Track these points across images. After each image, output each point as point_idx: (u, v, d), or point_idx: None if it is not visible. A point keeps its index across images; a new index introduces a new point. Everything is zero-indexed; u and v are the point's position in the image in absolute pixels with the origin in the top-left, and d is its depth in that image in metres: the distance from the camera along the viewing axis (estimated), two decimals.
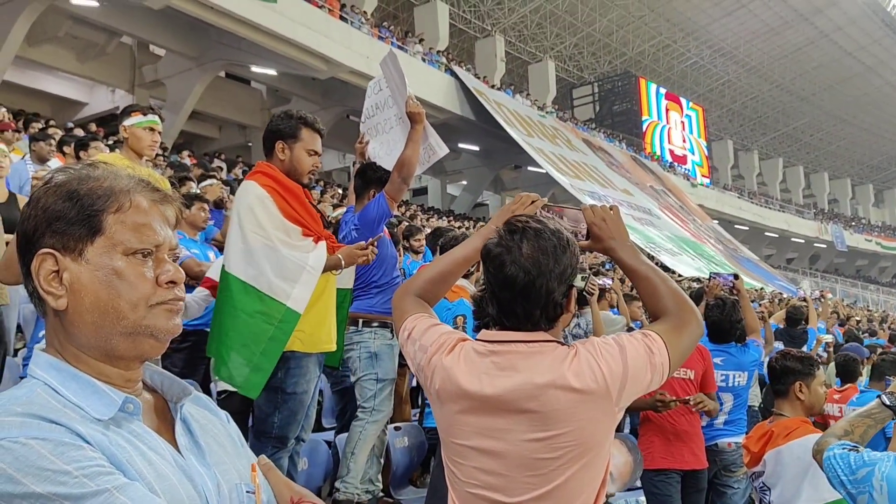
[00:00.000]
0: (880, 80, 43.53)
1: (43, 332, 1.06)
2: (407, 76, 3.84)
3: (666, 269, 20.73)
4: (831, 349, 7.66)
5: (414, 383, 5.49)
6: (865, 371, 6.02)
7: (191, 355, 4.46)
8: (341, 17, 21.88)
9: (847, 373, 5.50)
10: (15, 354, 4.30)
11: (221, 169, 16.39)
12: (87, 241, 0.99)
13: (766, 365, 3.42)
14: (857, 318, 16.73)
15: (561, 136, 30.68)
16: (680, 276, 21.19)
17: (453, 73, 26.03)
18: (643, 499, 4.11)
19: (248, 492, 1.09)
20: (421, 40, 26.36)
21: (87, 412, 0.96)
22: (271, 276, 3.05)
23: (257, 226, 3.07)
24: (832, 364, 6.63)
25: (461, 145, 27.39)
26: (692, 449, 3.93)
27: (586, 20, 35.14)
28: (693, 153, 40.74)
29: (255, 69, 22.34)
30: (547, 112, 31.95)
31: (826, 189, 50.46)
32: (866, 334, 12.55)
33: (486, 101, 25.85)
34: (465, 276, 4.49)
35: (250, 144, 26.46)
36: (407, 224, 9.24)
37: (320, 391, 4.37)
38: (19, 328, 4.78)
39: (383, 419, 4.00)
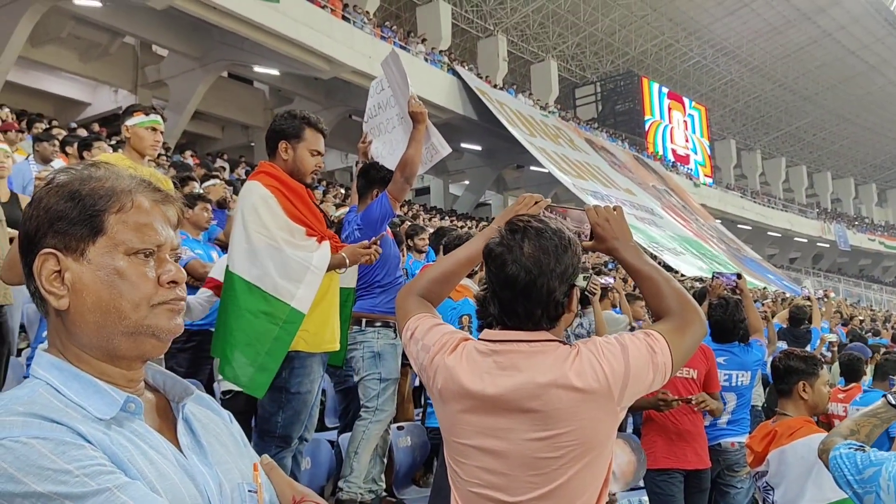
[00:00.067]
0: (883, 79, 43.46)
1: (46, 332, 1.06)
2: (409, 76, 3.84)
3: (669, 268, 20.69)
4: (835, 349, 7.65)
5: (417, 383, 5.49)
6: (869, 371, 6.02)
7: (195, 355, 4.47)
8: (344, 17, 21.89)
9: (851, 372, 5.50)
10: (18, 354, 4.31)
11: (224, 169, 16.41)
12: (88, 241, 1.00)
13: (769, 364, 3.41)
14: (861, 318, 16.69)
15: (563, 135, 30.66)
16: (683, 275, 21.18)
17: (456, 73, 26.03)
18: (646, 498, 4.10)
19: (250, 491, 1.09)
20: (423, 40, 26.35)
21: (88, 412, 0.96)
22: (276, 277, 3.05)
23: (261, 226, 3.07)
24: (836, 363, 6.62)
25: (463, 145, 27.39)
26: (695, 449, 3.92)
27: (589, 20, 35.13)
28: (696, 153, 40.71)
29: (257, 69, 22.36)
30: (549, 112, 31.94)
31: (829, 188, 50.39)
32: (869, 334, 12.53)
33: (488, 100, 25.84)
34: (469, 276, 4.49)
35: (253, 144, 26.48)
36: (410, 223, 9.24)
37: (323, 391, 4.38)
38: (23, 328, 4.79)
39: (386, 419, 4.00)
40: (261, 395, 3.12)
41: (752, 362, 4.30)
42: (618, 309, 6.49)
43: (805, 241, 44.24)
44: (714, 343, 4.21)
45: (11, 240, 3.60)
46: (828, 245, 45.10)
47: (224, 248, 5.23)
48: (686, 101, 40.40)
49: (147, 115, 3.78)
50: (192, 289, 4.35)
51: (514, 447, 1.63)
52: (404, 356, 4.08)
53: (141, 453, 0.96)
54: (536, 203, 1.96)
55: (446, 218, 22.86)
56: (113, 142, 9.64)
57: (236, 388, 3.37)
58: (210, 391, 4.05)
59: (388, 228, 4.04)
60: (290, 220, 3.12)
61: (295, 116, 3.26)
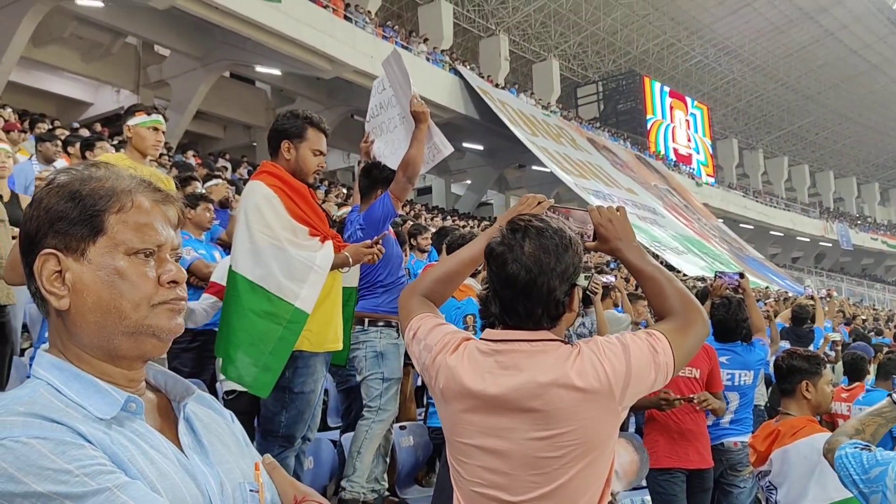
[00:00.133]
0: (886, 79, 43.41)
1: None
2: (411, 76, 3.84)
3: (671, 268, 20.69)
4: (839, 348, 7.64)
5: (419, 382, 5.49)
6: (872, 370, 6.01)
7: (199, 355, 4.48)
8: (345, 17, 21.90)
9: (855, 371, 5.50)
10: (21, 354, 4.32)
11: (226, 169, 16.42)
12: (89, 242, 1.00)
13: (772, 364, 3.41)
14: (863, 318, 16.68)
15: (565, 135, 30.66)
16: (685, 275, 21.17)
17: (457, 73, 26.04)
18: (649, 498, 4.10)
19: (251, 490, 1.09)
20: (425, 40, 26.36)
21: (89, 411, 0.96)
22: (280, 277, 3.05)
23: (265, 226, 3.07)
24: (839, 363, 6.62)
25: (465, 144, 27.38)
26: (697, 448, 3.92)
27: (590, 19, 35.11)
28: (698, 152, 40.69)
29: (259, 69, 22.37)
30: (551, 111, 31.93)
31: (831, 188, 50.35)
32: (872, 333, 12.51)
33: (490, 100, 25.84)
34: (473, 276, 4.49)
35: (255, 144, 26.51)
36: (413, 223, 9.24)
37: (326, 390, 4.38)
38: (25, 328, 4.80)
39: (389, 418, 4.00)
40: (265, 395, 3.12)
41: (755, 361, 4.29)
42: (619, 308, 6.48)
43: (807, 240, 44.20)
44: (717, 342, 4.20)
45: (14, 238, 3.60)
46: (830, 244, 45.05)
47: (226, 248, 5.24)
48: (688, 100, 40.38)
49: (149, 114, 3.78)
50: (196, 289, 4.36)
51: (515, 447, 1.64)
52: (407, 356, 4.08)
53: (142, 453, 0.96)
54: (539, 203, 1.97)
55: (448, 217, 22.86)
56: (115, 142, 9.65)
57: (240, 389, 3.38)
58: (213, 391, 4.06)
59: (390, 228, 4.04)
60: (294, 220, 3.12)
61: (297, 116, 3.26)
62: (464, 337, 1.78)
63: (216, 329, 3.34)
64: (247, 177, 14.42)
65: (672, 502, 3.87)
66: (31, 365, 1.03)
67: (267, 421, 3.31)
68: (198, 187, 6.50)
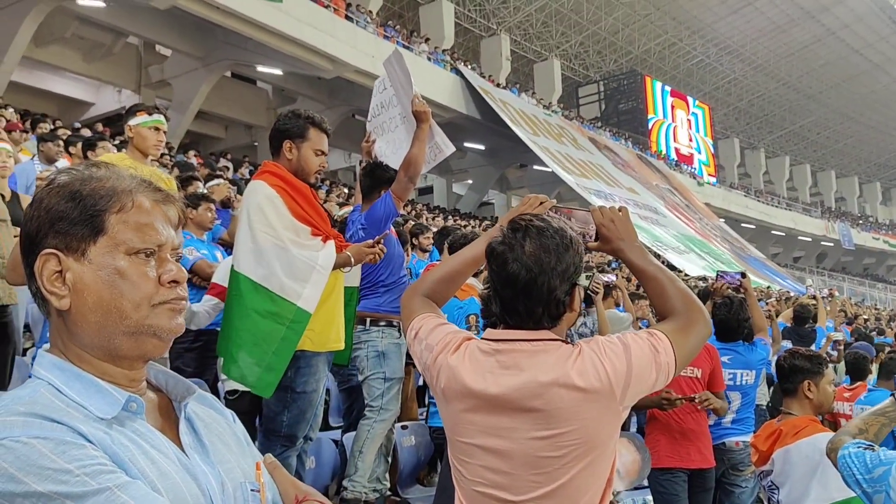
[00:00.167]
0: (888, 78, 43.35)
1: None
2: (412, 75, 3.84)
3: (672, 267, 20.69)
4: (841, 347, 7.64)
5: (420, 382, 5.49)
6: (874, 369, 6.01)
7: (202, 355, 4.48)
8: (347, 17, 21.90)
9: (857, 371, 5.50)
10: (24, 354, 4.32)
11: (228, 169, 16.42)
12: (89, 242, 1.00)
13: (774, 363, 3.41)
14: (865, 317, 16.67)
15: (567, 134, 30.66)
16: (687, 274, 21.16)
17: (459, 73, 26.04)
18: (650, 498, 4.10)
19: (252, 490, 1.09)
20: (426, 39, 26.36)
21: (90, 411, 0.96)
22: (282, 277, 3.05)
23: (267, 226, 3.07)
24: (842, 362, 6.61)
25: (467, 144, 27.39)
26: (699, 448, 3.91)
27: (592, 18, 35.10)
28: (699, 152, 40.67)
29: (260, 69, 22.38)
30: (552, 111, 31.93)
31: (833, 187, 50.30)
32: (874, 333, 12.50)
33: (491, 99, 25.84)
34: (475, 276, 4.49)
35: (256, 144, 26.51)
36: (414, 222, 9.25)
37: (327, 390, 4.38)
38: (28, 328, 4.81)
39: (391, 418, 4.01)
40: (268, 395, 3.12)
41: (757, 361, 4.29)
42: (621, 307, 6.48)
43: (809, 239, 44.17)
44: (718, 342, 4.20)
45: (16, 237, 3.61)
46: (832, 244, 45.03)
47: (228, 247, 5.24)
48: (690, 99, 40.36)
49: (150, 114, 3.79)
50: (199, 289, 4.37)
51: (516, 446, 1.64)
52: (408, 355, 4.08)
53: (142, 453, 0.96)
54: (542, 204, 1.97)
55: (449, 217, 22.85)
56: (116, 141, 9.65)
57: (242, 388, 3.38)
58: (216, 391, 4.06)
59: (391, 228, 4.04)
60: (296, 220, 3.11)
61: (299, 116, 3.26)
62: (465, 337, 1.78)
63: (219, 329, 3.34)
64: (248, 176, 14.43)
65: (674, 502, 3.86)
66: (33, 365, 1.03)
67: (269, 420, 3.31)
68: (199, 187, 6.50)
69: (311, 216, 3.18)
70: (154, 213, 1.05)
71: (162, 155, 9.33)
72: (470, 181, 33.65)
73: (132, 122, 3.74)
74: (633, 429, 5.57)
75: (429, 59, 25.00)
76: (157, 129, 3.79)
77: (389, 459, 4.19)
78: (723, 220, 37.32)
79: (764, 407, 6.01)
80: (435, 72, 24.68)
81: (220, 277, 3.90)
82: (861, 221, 49.04)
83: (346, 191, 17.26)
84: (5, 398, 0.95)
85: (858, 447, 2.04)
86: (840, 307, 14.95)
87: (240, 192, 8.04)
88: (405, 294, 2.01)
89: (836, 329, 10.21)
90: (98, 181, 1.03)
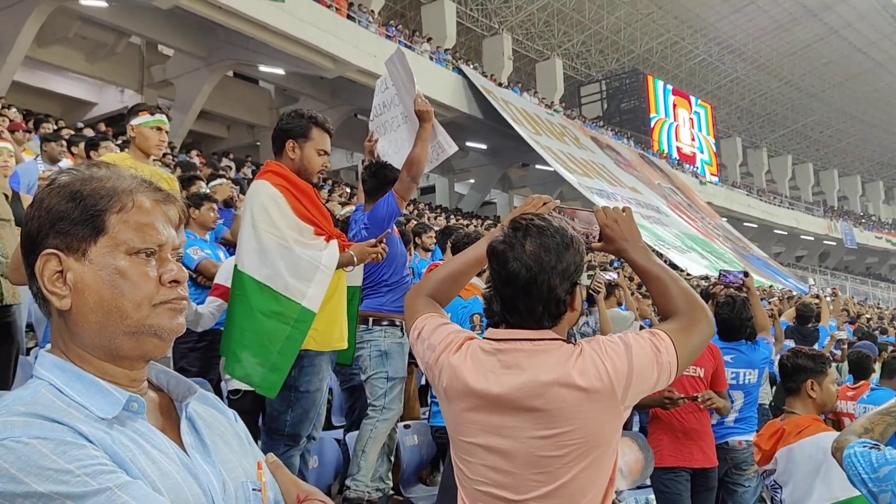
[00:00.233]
0: (890, 76, 43.28)
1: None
2: (414, 75, 3.83)
3: (675, 267, 20.68)
4: (845, 346, 7.62)
5: (423, 381, 5.50)
6: (878, 368, 6.00)
7: (206, 355, 4.48)
8: (349, 17, 21.91)
9: (860, 370, 5.49)
10: (27, 353, 4.32)
11: (230, 168, 16.43)
12: (90, 241, 1.00)
13: (777, 363, 3.40)
14: (868, 316, 16.63)
15: (569, 133, 30.65)
16: (689, 274, 21.14)
17: (461, 72, 26.04)
18: (653, 497, 4.10)
19: (254, 490, 1.09)
20: (429, 39, 26.35)
21: (91, 411, 0.96)
22: (286, 276, 3.05)
23: (271, 225, 3.07)
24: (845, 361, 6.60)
25: (469, 144, 27.40)
26: (702, 447, 3.91)
27: (594, 17, 35.08)
28: (702, 151, 40.63)
29: (263, 68, 22.40)
30: (555, 110, 31.91)
31: (836, 186, 50.25)
32: (877, 332, 12.48)
33: (493, 99, 25.84)
34: (479, 276, 4.49)
35: (259, 144, 26.52)
36: (417, 222, 9.25)
37: (330, 389, 4.38)
38: (31, 327, 4.81)
39: (394, 417, 4.01)
40: (273, 395, 3.12)
41: (760, 360, 4.28)
42: (623, 306, 6.48)
43: (811, 239, 44.13)
44: (721, 341, 4.19)
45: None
46: (834, 243, 44.99)
47: (230, 247, 5.24)
48: (692, 98, 40.32)
49: (152, 114, 3.79)
50: (204, 289, 4.37)
51: (518, 445, 1.64)
52: (411, 355, 4.08)
53: (143, 452, 0.96)
54: (545, 204, 1.97)
55: (451, 217, 22.85)
56: (119, 141, 9.66)
57: (244, 388, 3.38)
58: (219, 391, 4.06)
59: (394, 227, 4.04)
60: (299, 220, 3.12)
61: (302, 116, 3.26)
62: (467, 336, 1.79)
63: (223, 329, 3.35)
64: (251, 176, 14.44)
65: (676, 501, 3.86)
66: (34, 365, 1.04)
67: (272, 420, 3.31)
68: (202, 187, 6.51)
69: (315, 216, 3.19)
70: (154, 212, 1.05)
71: (164, 155, 9.35)
72: (472, 180, 33.66)
73: (134, 121, 3.74)
74: (636, 428, 5.56)
75: (431, 58, 25.01)
76: (159, 128, 3.79)
77: (392, 459, 4.19)
78: (725, 219, 37.28)
79: (767, 406, 6.01)
80: (437, 71, 24.69)
81: (223, 278, 3.90)
82: (864, 220, 48.98)
83: (348, 190, 17.27)
84: (6, 398, 0.95)
85: (864, 446, 2.04)
86: (843, 306, 14.93)
87: (242, 191, 8.04)
88: (409, 294, 2.02)
89: (838, 328, 10.19)
90: (99, 181, 1.03)
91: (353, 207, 5.11)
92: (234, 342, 3.10)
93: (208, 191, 6.13)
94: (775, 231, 42.19)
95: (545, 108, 31.02)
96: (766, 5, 36.24)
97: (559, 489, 1.63)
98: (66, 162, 6.67)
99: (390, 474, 4.16)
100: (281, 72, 22.38)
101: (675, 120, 38.95)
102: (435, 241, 7.01)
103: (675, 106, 39.01)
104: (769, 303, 11.40)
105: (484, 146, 28.81)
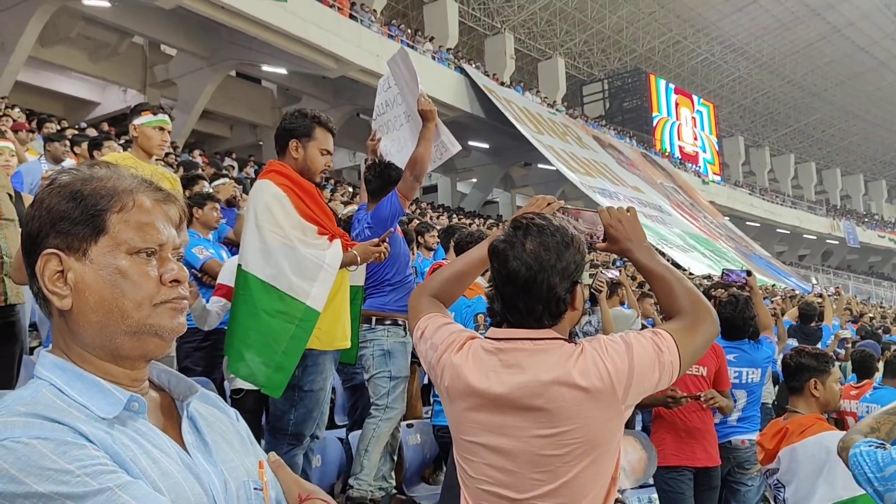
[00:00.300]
0: (893, 75, 43.21)
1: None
2: (418, 74, 3.83)
3: (678, 266, 20.64)
4: (849, 345, 7.61)
5: (425, 381, 5.50)
6: (882, 367, 6.00)
7: (210, 354, 4.48)
8: (351, 16, 21.92)
9: (863, 369, 5.49)
10: (31, 353, 4.33)
11: (233, 168, 16.44)
12: (90, 241, 1.00)
13: (780, 362, 3.40)
14: (871, 315, 16.61)
15: (571, 133, 30.64)
16: (692, 273, 21.13)
17: (463, 71, 26.05)
18: (656, 496, 4.10)
19: (255, 489, 1.09)
20: (431, 38, 26.35)
21: (91, 411, 0.96)
22: (291, 275, 3.06)
23: (275, 225, 3.07)
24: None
25: (471, 143, 27.40)
26: (704, 446, 3.91)
27: (596, 17, 35.06)
28: (704, 150, 40.58)
29: (265, 68, 22.43)
30: (557, 109, 31.90)
31: (838, 185, 50.17)
32: (880, 331, 12.46)
33: (495, 98, 25.84)
34: (483, 275, 4.49)
35: (261, 143, 26.55)
36: (419, 221, 9.25)
37: (333, 388, 4.39)
38: (35, 327, 4.82)
39: (396, 416, 4.01)
40: (278, 395, 3.12)
41: (763, 359, 4.28)
42: (626, 305, 6.48)
43: (814, 238, 44.09)
44: (724, 340, 4.19)
45: None
46: (837, 242, 44.93)
47: (233, 247, 5.25)
48: (694, 98, 40.28)
49: (155, 114, 3.79)
50: (210, 288, 4.37)
51: (519, 445, 1.65)
52: (414, 354, 4.09)
53: (144, 452, 0.96)
54: (549, 205, 1.97)
55: (454, 216, 22.85)
56: (122, 141, 9.68)
57: (247, 387, 3.39)
58: (224, 390, 4.07)
59: (397, 226, 4.04)
60: (303, 219, 3.12)
61: (305, 115, 3.26)
62: (469, 336, 1.79)
63: (226, 328, 3.35)
64: (253, 176, 14.44)
65: (679, 500, 3.86)
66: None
67: (276, 419, 3.32)
68: (205, 186, 6.51)
69: (318, 215, 3.19)
70: (155, 212, 1.05)
71: (167, 154, 9.36)
72: (474, 180, 33.66)
73: (137, 121, 3.75)
74: (639, 427, 5.56)
75: (433, 57, 25.01)
76: (161, 128, 3.80)
77: (395, 458, 4.20)
78: (727, 218, 37.25)
79: (770, 405, 6.01)
80: (439, 71, 24.70)
81: (226, 277, 3.90)
82: (866, 219, 48.92)
83: (350, 190, 17.28)
84: (7, 399, 0.95)
85: (870, 446, 2.04)
86: (846, 305, 14.91)
87: (245, 191, 8.04)
88: (413, 294, 2.03)
89: (842, 327, 10.18)
90: (99, 181, 1.03)
91: (356, 207, 5.11)
92: (238, 341, 3.10)
93: (211, 190, 6.14)
94: (778, 230, 42.15)
95: (547, 107, 31.01)
96: (768, 4, 36.19)
97: (560, 488, 1.63)
98: (69, 162, 6.67)
99: (393, 473, 4.17)
100: (283, 71, 22.41)
101: (677, 119, 38.91)
102: (438, 240, 7.02)
103: (677, 105, 38.98)
104: (772, 302, 11.38)
105: (486, 145, 28.82)
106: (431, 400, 5.18)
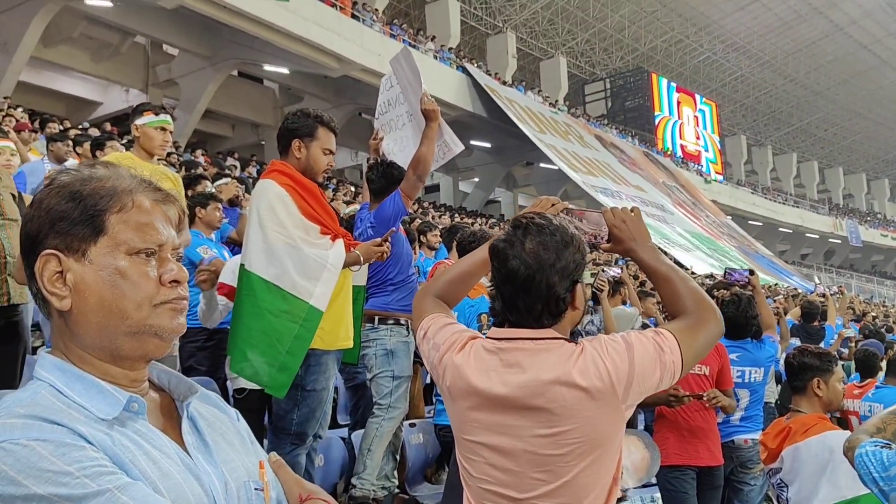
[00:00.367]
0: (895, 74, 43.14)
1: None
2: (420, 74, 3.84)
3: (680, 265, 20.64)
4: (852, 344, 7.60)
5: (428, 380, 5.50)
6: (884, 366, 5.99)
7: (214, 354, 4.48)
8: (353, 16, 21.93)
9: (866, 368, 5.48)
10: (34, 353, 4.34)
11: (235, 167, 16.45)
12: (90, 242, 0.99)
13: (783, 361, 3.40)
14: (874, 315, 16.59)
15: (573, 132, 30.62)
16: (694, 272, 21.12)
17: (465, 71, 26.05)
18: (659, 495, 4.10)
19: (256, 489, 1.09)
20: (433, 38, 26.35)
21: (91, 412, 0.96)
22: (294, 275, 3.06)
23: (278, 224, 3.08)
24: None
25: (473, 142, 27.37)
26: (707, 445, 3.90)
27: (598, 16, 35.04)
28: (707, 149, 40.55)
29: (267, 68, 22.44)
30: (559, 108, 31.89)
31: (841, 184, 50.09)
32: (882, 330, 12.45)
33: (497, 97, 25.83)
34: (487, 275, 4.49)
35: (263, 143, 26.57)
36: (422, 220, 9.25)
37: (335, 388, 4.39)
38: (38, 326, 4.83)
39: (399, 416, 4.01)
40: (282, 395, 3.12)
41: (765, 358, 4.28)
42: (628, 304, 6.48)
43: (816, 237, 44.05)
44: (727, 339, 4.18)
45: None
46: (839, 241, 44.87)
47: (236, 246, 5.25)
48: (697, 97, 40.24)
49: (156, 114, 3.80)
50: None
51: (520, 444, 1.65)
52: (416, 354, 4.09)
53: (143, 453, 0.96)
54: (553, 206, 1.97)
55: (456, 215, 22.86)
56: (124, 141, 9.69)
57: (250, 387, 3.39)
58: (227, 390, 4.07)
59: (400, 226, 4.04)
60: (306, 219, 3.12)
61: (308, 115, 3.27)
62: (471, 336, 1.80)
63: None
64: (255, 175, 14.45)
65: (682, 500, 3.86)
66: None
67: (279, 419, 3.32)
68: (208, 186, 6.52)
69: (321, 215, 3.19)
70: (154, 212, 1.05)
71: (169, 154, 9.36)
72: (476, 179, 33.65)
73: (139, 121, 3.75)
74: (641, 426, 5.56)
75: (435, 57, 25.02)
76: (163, 129, 3.80)
77: (398, 457, 4.20)
78: (730, 217, 37.23)
79: (773, 404, 6.00)
80: (441, 70, 24.70)
81: (228, 277, 3.90)
82: (869, 218, 48.86)
83: (352, 189, 17.27)
84: (6, 400, 0.95)
85: (875, 446, 2.04)
86: (848, 304, 14.90)
87: (247, 190, 8.05)
88: (417, 295, 2.03)
89: (844, 326, 10.17)
90: (98, 181, 1.02)
91: (358, 206, 5.11)
92: (241, 341, 3.10)
93: (214, 190, 6.14)
94: (780, 229, 42.12)
95: (549, 106, 31.00)
96: (770, 3, 36.14)
97: (562, 487, 1.63)
98: (72, 162, 6.68)
99: (396, 473, 4.17)
100: (285, 71, 22.42)
101: (679, 118, 38.88)
102: (440, 239, 7.02)
103: (679, 104, 38.94)
104: (774, 301, 11.38)
105: (488, 145, 28.81)
106: (434, 399, 5.18)
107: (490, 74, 28.11)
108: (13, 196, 3.70)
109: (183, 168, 9.17)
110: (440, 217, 18.82)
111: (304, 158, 3.21)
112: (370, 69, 20.61)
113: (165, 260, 1.04)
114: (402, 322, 4.03)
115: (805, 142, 48.70)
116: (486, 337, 1.76)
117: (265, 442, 3.46)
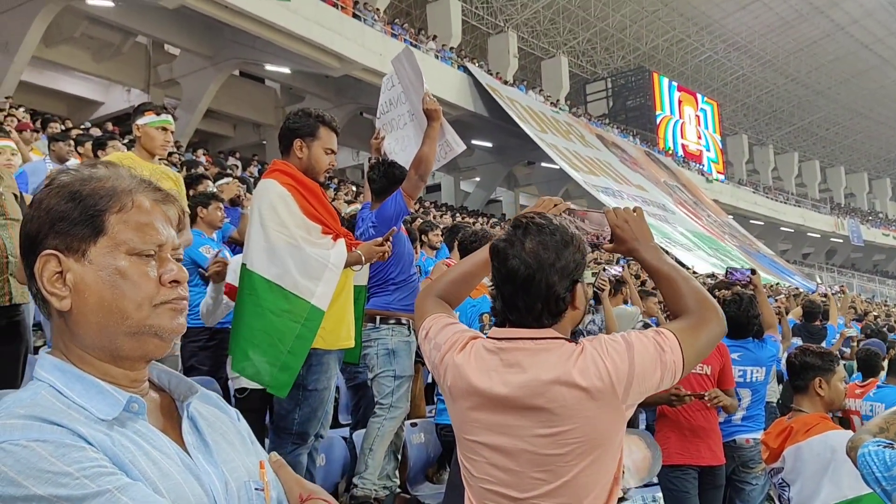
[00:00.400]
0: None
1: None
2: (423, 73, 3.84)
3: (682, 264, 20.63)
4: (854, 344, 7.59)
5: (429, 380, 5.50)
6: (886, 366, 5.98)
7: (216, 353, 4.48)
8: (354, 15, 21.92)
9: (868, 367, 5.47)
10: (35, 352, 4.34)
11: (237, 167, 16.47)
12: (90, 242, 0.99)
13: (784, 360, 3.40)
14: (875, 314, 16.58)
15: (574, 131, 30.60)
16: (695, 271, 21.11)
17: (466, 70, 26.04)
18: (660, 495, 4.09)
19: (256, 489, 1.09)
20: (434, 37, 26.34)
21: (91, 413, 0.96)
22: (296, 275, 3.06)
23: (280, 224, 3.08)
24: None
25: (474, 142, 27.36)
26: (709, 445, 3.90)
27: (599, 15, 35.02)
28: (708, 149, 40.52)
29: (269, 67, 22.44)
30: (560, 108, 31.87)
31: (842, 183, 50.04)
32: (884, 329, 12.44)
33: (499, 97, 25.83)
34: None
35: (265, 142, 26.57)
36: (423, 220, 9.26)
37: (337, 388, 4.39)
38: (40, 326, 4.83)
39: (400, 416, 4.02)
40: (284, 395, 3.12)
41: (767, 358, 4.28)
42: (629, 303, 6.47)
43: (818, 236, 44.01)
44: (728, 339, 4.17)
45: None
46: (841, 240, 44.83)
47: (238, 246, 5.25)
48: (698, 96, 40.22)
49: (158, 114, 3.80)
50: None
51: (521, 444, 1.65)
52: (418, 353, 4.09)
53: (143, 454, 0.96)
54: (556, 206, 1.97)
55: (457, 215, 22.86)
56: (125, 141, 9.69)
57: (251, 386, 3.39)
58: (228, 390, 4.07)
59: (401, 225, 4.04)
60: (307, 219, 3.12)
61: (310, 115, 3.27)
62: (471, 336, 1.80)
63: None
64: (257, 175, 14.47)
65: (684, 499, 3.85)
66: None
67: (280, 418, 3.32)
68: (209, 186, 6.51)
69: (322, 214, 3.19)
70: (154, 212, 1.04)
71: (171, 154, 9.36)
72: (478, 178, 33.65)
73: (140, 121, 3.76)
74: (643, 426, 5.56)
75: (436, 56, 25.01)
76: (164, 129, 3.81)
77: (399, 457, 4.20)
78: (731, 216, 37.19)
79: (774, 404, 6.00)
80: (442, 69, 24.69)
81: (230, 276, 3.91)
82: (871, 218, 48.81)
83: (353, 189, 17.29)
84: (6, 401, 0.95)
85: (878, 445, 2.04)
86: (850, 303, 14.88)
87: (249, 190, 8.05)
88: (419, 295, 2.04)
89: (846, 325, 10.17)
90: (98, 181, 1.02)
91: (360, 205, 5.12)
92: (243, 341, 3.10)
93: (215, 190, 6.14)
94: (782, 228, 42.09)
95: (551, 105, 30.98)
96: (771, 2, 36.12)
97: (562, 487, 1.63)
98: (73, 161, 6.69)
99: (397, 472, 4.17)
100: (287, 71, 22.42)
101: (680, 117, 38.86)
102: (441, 238, 7.02)
103: (680, 103, 38.92)
104: (776, 300, 11.38)
105: (489, 144, 28.81)
106: (435, 399, 5.18)
107: (491, 74, 28.10)
108: (15, 196, 3.71)
109: (184, 168, 9.17)
110: (441, 216, 18.82)
111: (306, 158, 3.21)
112: (371, 69, 20.62)
113: (165, 260, 1.04)
114: (404, 322, 4.03)
115: (807, 141, 48.67)
116: (487, 337, 1.77)
117: (267, 441, 3.46)
